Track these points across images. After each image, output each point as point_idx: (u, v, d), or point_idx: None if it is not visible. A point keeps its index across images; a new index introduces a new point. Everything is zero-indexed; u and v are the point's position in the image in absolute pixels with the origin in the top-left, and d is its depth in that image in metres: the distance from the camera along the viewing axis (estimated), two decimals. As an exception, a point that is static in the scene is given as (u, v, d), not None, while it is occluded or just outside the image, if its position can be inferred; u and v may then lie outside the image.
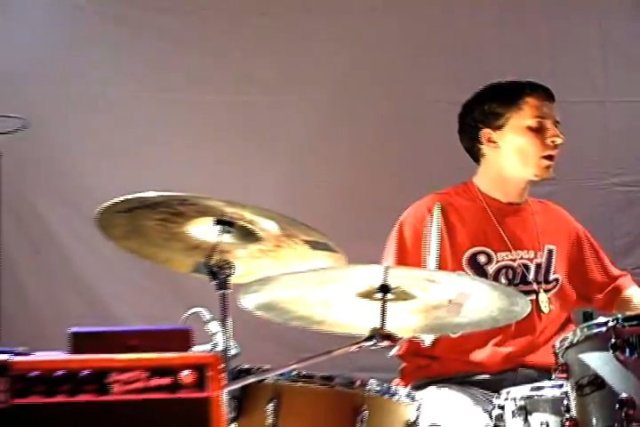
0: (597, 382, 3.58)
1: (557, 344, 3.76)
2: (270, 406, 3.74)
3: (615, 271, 5.23)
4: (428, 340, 4.56)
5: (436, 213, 4.85)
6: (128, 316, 5.43)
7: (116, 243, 4.06)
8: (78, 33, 5.90)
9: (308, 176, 5.91)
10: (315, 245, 3.87)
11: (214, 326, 3.82)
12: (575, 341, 3.68)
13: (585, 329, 3.65)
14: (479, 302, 3.83)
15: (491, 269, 4.86)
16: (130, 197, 3.82)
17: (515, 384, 4.25)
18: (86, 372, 2.98)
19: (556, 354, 3.75)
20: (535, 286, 4.90)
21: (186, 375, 2.99)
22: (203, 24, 6.01)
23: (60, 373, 2.98)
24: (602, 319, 3.55)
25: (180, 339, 3.19)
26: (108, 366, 2.99)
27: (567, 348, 3.72)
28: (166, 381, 2.98)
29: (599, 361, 3.60)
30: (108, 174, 5.52)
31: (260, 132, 6.01)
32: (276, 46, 6.20)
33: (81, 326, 5.20)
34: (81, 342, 3.15)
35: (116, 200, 3.84)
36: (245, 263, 3.97)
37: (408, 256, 4.82)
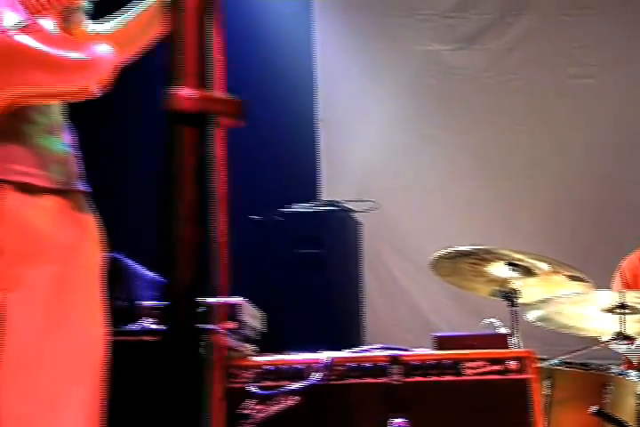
0: None
1: None
2: (547, 382, 3.66)
3: None
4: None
5: None
6: (441, 325, 5.37)
7: (442, 278, 4.09)
8: (408, 144, 5.92)
9: (551, 236, 5.70)
10: (573, 278, 3.82)
11: (504, 331, 3.76)
12: None
13: None
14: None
15: None
16: (451, 249, 3.88)
17: None
18: (448, 361, 3.02)
19: None
20: None
21: (512, 364, 3.00)
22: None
23: (432, 362, 3.03)
24: None
25: (501, 340, 3.22)
26: (463, 358, 3.03)
27: None
28: (500, 367, 3.00)
29: None
30: (431, 235, 5.50)
31: (517, 208, 5.86)
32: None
33: (411, 332, 5.24)
34: (443, 342, 3.19)
35: (443, 252, 3.89)
36: (526, 290, 3.91)
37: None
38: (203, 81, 0.79)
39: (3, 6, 1.83)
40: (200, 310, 0.82)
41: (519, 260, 3.84)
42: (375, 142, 5.84)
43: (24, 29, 1.83)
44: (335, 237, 4.79)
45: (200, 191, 0.76)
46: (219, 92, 0.82)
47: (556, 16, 5.92)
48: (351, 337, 4.59)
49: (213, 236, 0.78)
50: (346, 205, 4.92)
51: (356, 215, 5.07)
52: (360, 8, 5.94)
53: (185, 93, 0.79)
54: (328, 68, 5.93)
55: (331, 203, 4.91)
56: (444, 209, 5.74)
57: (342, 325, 4.59)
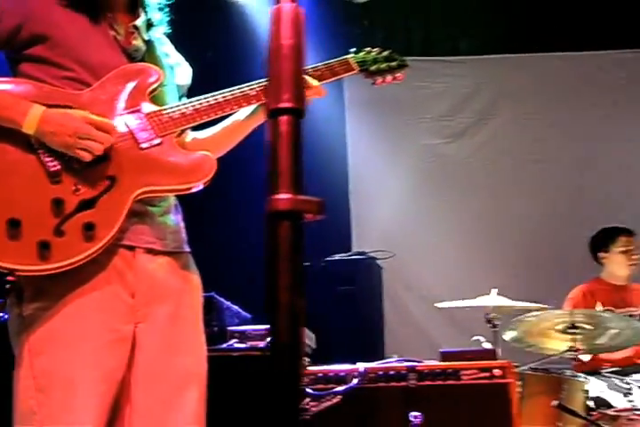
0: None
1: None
2: (520, 383, 3.55)
3: None
4: (586, 358, 4.10)
5: None
6: (441, 342, 5.05)
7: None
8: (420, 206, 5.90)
9: (522, 274, 5.52)
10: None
11: (488, 346, 3.70)
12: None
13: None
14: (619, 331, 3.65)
15: None
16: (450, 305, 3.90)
17: (634, 373, 3.96)
18: (450, 370, 2.97)
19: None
20: None
21: (496, 371, 2.95)
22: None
23: (438, 370, 2.98)
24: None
25: (488, 354, 3.16)
26: (461, 367, 2.99)
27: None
28: (487, 374, 2.96)
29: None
30: (434, 276, 5.44)
31: (497, 256, 5.73)
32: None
33: (419, 348, 5.07)
34: (446, 356, 3.14)
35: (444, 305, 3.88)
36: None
37: None
38: (294, 186, 0.79)
39: (138, 127, 1.87)
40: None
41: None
42: (392, 208, 5.82)
43: (154, 145, 1.87)
44: (364, 277, 4.80)
45: (293, 266, 0.77)
46: (305, 195, 0.82)
47: (517, 119, 5.94)
48: (374, 351, 4.55)
49: (302, 298, 0.78)
50: (371, 254, 4.93)
51: (379, 262, 5.06)
52: (380, 111, 5.93)
53: (281, 197, 0.79)
54: (357, 153, 5.96)
55: (360, 253, 4.94)
56: (444, 256, 5.66)
57: (368, 342, 4.56)
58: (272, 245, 0.77)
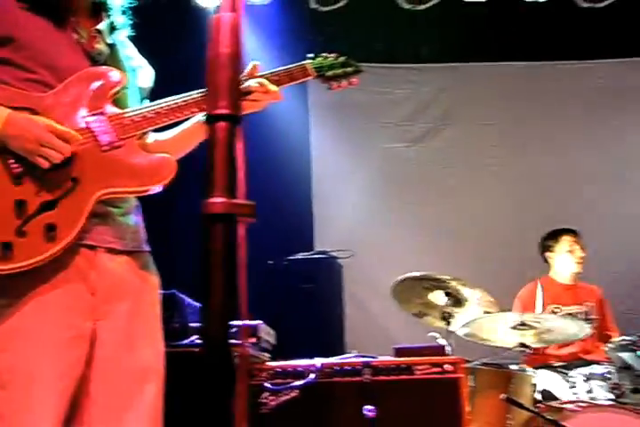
0: (626, 366, 3.41)
1: (607, 347, 3.59)
2: (471, 377, 3.57)
3: (613, 325, 4.71)
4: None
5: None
6: (399, 338, 5.00)
7: (398, 305, 4.01)
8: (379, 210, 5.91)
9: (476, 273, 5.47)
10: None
11: (442, 341, 3.72)
12: (615, 346, 3.52)
13: (621, 340, 3.51)
14: (564, 327, 3.71)
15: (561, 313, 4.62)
16: (405, 276, 3.86)
17: (578, 367, 4.02)
18: (403, 365, 2.98)
19: (606, 351, 3.59)
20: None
21: (447, 367, 2.97)
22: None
23: (392, 365, 2.99)
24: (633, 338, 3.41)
25: (440, 350, 3.18)
26: (414, 363, 3.01)
27: (611, 349, 3.55)
28: (439, 369, 2.98)
29: (627, 356, 3.42)
30: (393, 275, 5.34)
31: (450, 254, 5.70)
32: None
33: (377, 344, 5.04)
34: (400, 352, 3.15)
35: (400, 278, 3.87)
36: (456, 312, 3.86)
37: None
38: (228, 190, 0.80)
39: (100, 130, 1.86)
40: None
41: (451, 287, 3.79)
42: (353, 209, 5.82)
43: (115, 147, 1.86)
44: (325, 276, 4.79)
45: (226, 266, 0.77)
46: (239, 199, 0.82)
47: (474, 125, 5.98)
48: (335, 347, 4.53)
49: (237, 295, 0.79)
50: (332, 253, 4.93)
51: (340, 261, 5.04)
52: (343, 116, 5.93)
53: (216, 200, 0.79)
54: (320, 156, 5.93)
55: (322, 252, 4.93)
56: (403, 256, 5.63)
57: (329, 338, 4.55)
58: (206, 247, 0.77)
